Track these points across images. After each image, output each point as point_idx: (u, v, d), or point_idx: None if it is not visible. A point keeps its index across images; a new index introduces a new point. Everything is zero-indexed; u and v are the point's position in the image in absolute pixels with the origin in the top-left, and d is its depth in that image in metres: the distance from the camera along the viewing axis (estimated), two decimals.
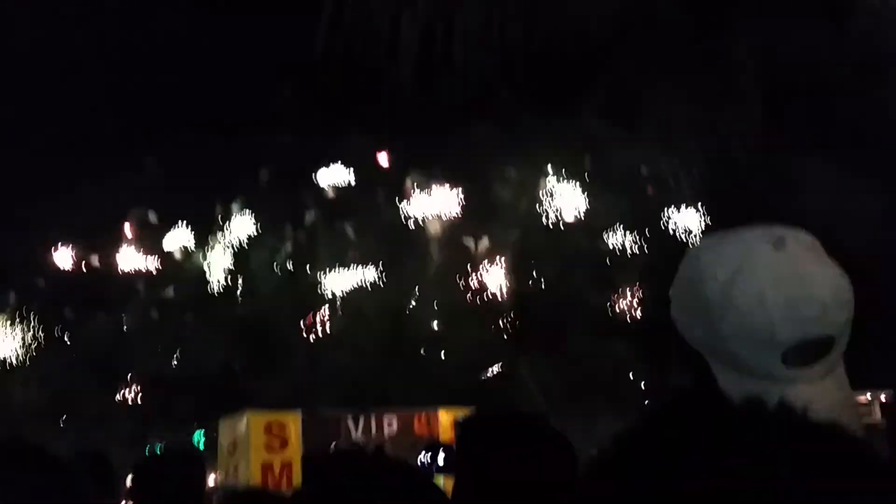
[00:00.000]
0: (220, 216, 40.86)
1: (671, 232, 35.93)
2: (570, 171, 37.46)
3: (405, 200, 39.03)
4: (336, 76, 27.58)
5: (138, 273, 41.19)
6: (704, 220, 33.69)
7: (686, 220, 35.19)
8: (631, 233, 36.85)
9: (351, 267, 37.69)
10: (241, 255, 40.31)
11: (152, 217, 41.88)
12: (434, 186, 38.50)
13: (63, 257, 41.37)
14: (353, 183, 40.75)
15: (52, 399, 36.65)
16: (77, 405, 36.09)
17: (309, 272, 38.67)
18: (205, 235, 41.01)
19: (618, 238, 37.07)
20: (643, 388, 33.87)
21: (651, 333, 32.27)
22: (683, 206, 34.55)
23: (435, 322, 36.52)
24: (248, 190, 40.63)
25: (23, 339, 39.29)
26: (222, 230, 40.75)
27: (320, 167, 40.51)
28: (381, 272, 37.40)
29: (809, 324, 1.76)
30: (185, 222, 40.94)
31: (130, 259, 41.27)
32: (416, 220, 38.87)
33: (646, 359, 31.52)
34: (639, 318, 35.88)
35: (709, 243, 1.93)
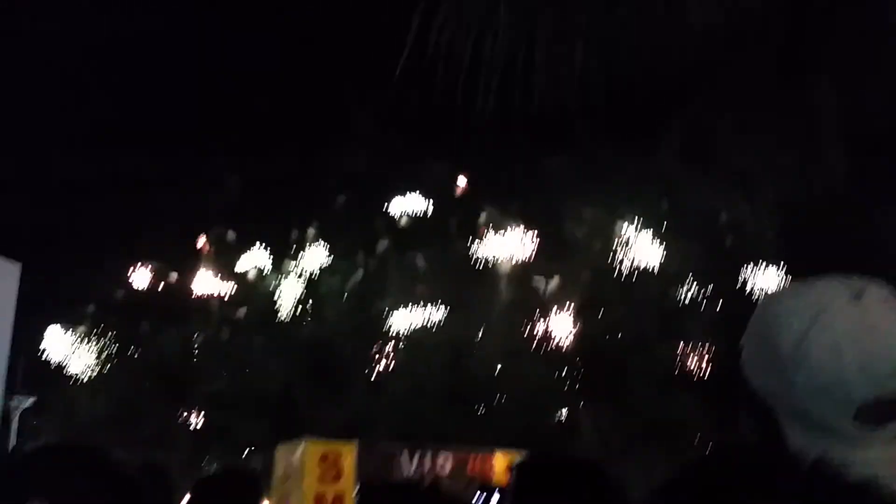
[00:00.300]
0: (294, 241, 41.42)
1: (746, 283, 35.13)
2: (646, 215, 36.95)
3: (477, 236, 39.00)
4: (414, 102, 27.88)
5: (210, 295, 41.91)
6: (782, 274, 32.86)
7: (763, 275, 34.39)
8: (704, 282, 36.14)
9: (418, 300, 37.72)
10: (312, 282, 40.68)
11: (230, 236, 42.68)
12: (507, 227, 38.43)
13: (141, 273, 42.42)
14: (426, 213, 40.92)
15: (116, 413, 37.39)
16: (140, 421, 36.71)
17: (376, 302, 38.79)
18: (279, 258, 41.52)
19: (691, 287, 36.39)
20: (706, 442, 33.00)
21: (718, 387, 31.51)
22: (761, 260, 33.78)
23: (497, 361, 36.19)
24: (323, 214, 41.11)
25: (97, 353, 40.31)
26: (295, 257, 41.23)
27: (395, 195, 40.80)
28: (447, 308, 37.29)
29: (886, 382, 1.67)
30: (261, 243, 41.57)
31: (204, 279, 42.06)
32: (486, 258, 38.77)
33: (711, 413, 30.76)
34: (706, 371, 35.07)
35: (785, 291, 1.87)
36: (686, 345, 35.93)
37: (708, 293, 36.06)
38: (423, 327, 37.50)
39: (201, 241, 42.83)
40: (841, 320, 1.69)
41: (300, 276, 40.85)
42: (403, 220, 40.91)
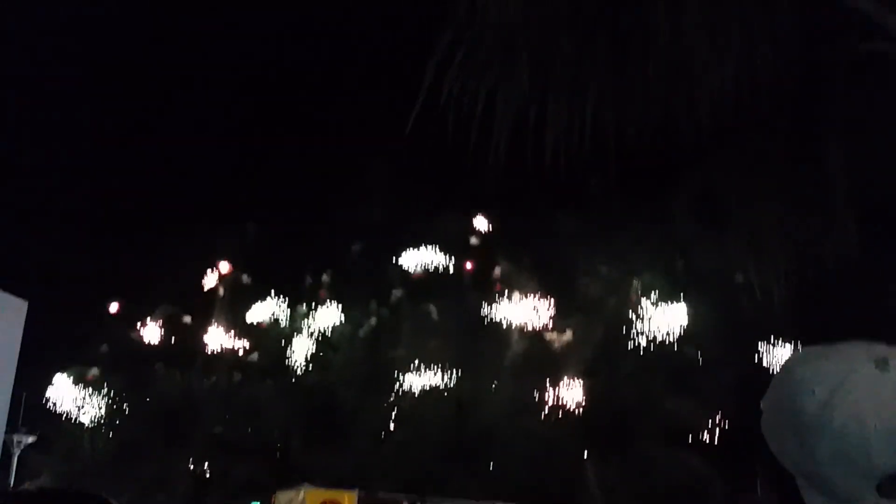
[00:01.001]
0: (305, 290, 41.55)
1: (758, 347, 34.88)
2: (656, 275, 36.96)
3: (488, 290, 39.11)
4: (426, 157, 28.18)
5: (216, 341, 41.87)
6: (795, 340, 32.56)
7: (775, 340, 34.15)
8: (715, 344, 35.92)
9: (425, 351, 37.66)
10: (320, 331, 40.70)
11: (244, 279, 42.87)
12: (519, 282, 38.56)
13: (149, 317, 42.46)
14: (438, 266, 41.05)
15: (117, 455, 37.13)
16: (141, 464, 36.44)
17: (383, 353, 38.70)
18: (289, 305, 41.59)
19: (701, 348, 36.22)
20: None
21: (730, 450, 31.13)
22: (773, 324, 33.63)
23: (503, 415, 35.91)
24: (337, 264, 41.34)
25: (101, 395, 40.18)
26: (304, 306, 41.26)
27: (407, 247, 40.96)
28: (455, 360, 37.17)
29: None
30: (272, 290, 41.71)
31: (213, 324, 42.10)
32: (496, 313, 38.80)
33: (721, 475, 30.38)
34: (718, 433, 34.69)
35: (807, 356, 1.80)
36: (696, 405, 35.60)
37: (718, 354, 35.82)
38: (429, 379, 37.35)
39: (211, 283, 42.99)
40: (865, 387, 1.64)
41: (309, 324, 40.92)
42: (415, 273, 41.03)
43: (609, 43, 6.74)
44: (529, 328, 38.27)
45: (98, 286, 40.78)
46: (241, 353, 41.30)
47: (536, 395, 36.45)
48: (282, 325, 41.42)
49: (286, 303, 41.68)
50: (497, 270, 39.51)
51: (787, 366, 1.82)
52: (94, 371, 40.50)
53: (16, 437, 29.34)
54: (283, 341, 40.87)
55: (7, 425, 28.85)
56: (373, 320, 39.87)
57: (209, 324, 42.03)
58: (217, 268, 43.17)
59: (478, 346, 37.36)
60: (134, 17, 42.67)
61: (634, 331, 37.08)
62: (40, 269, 37.96)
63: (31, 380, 30.88)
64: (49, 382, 39.67)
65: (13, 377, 28.19)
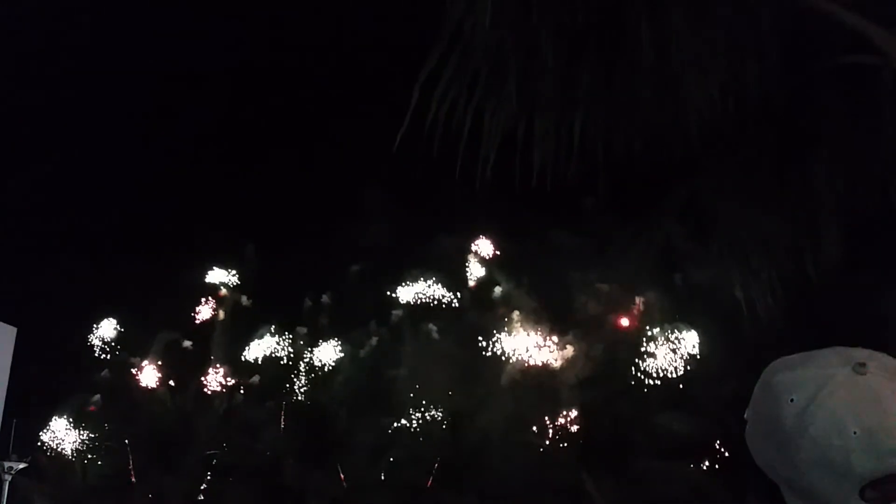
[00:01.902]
0: (302, 312, 41.58)
1: (750, 357, 34.91)
2: (650, 289, 37.05)
3: (486, 312, 39.26)
4: (422, 177, 28.32)
5: (211, 364, 41.71)
6: (784, 348, 32.61)
7: (766, 349, 34.23)
8: (710, 356, 35.96)
9: (422, 372, 37.66)
10: (317, 355, 40.67)
11: (245, 302, 42.88)
12: (515, 302, 38.76)
13: (152, 343, 42.36)
14: (435, 288, 41.07)
15: (110, 479, 36.86)
16: (133, 488, 36.20)
17: (378, 374, 38.64)
18: (289, 329, 41.50)
19: (696, 361, 36.25)
20: None
21: (724, 461, 31.02)
22: (764, 334, 33.67)
23: (498, 431, 35.77)
24: (337, 286, 41.43)
25: (93, 420, 39.98)
26: (299, 329, 41.16)
27: (406, 268, 40.94)
28: (451, 380, 37.08)
29: (891, 457, 1.60)
30: (272, 315, 41.72)
31: (207, 347, 41.99)
32: (492, 332, 38.90)
33: (719, 486, 30.27)
34: (712, 445, 34.60)
35: (785, 363, 1.78)
36: (691, 418, 35.56)
37: (713, 367, 35.82)
38: (424, 399, 37.23)
39: (207, 309, 42.85)
40: (843, 393, 1.63)
41: (305, 347, 40.88)
42: (411, 295, 41.02)
43: (596, 60, 6.77)
44: (525, 347, 38.26)
45: (89, 311, 40.69)
46: (235, 376, 41.12)
47: (534, 413, 36.35)
48: (280, 348, 41.31)
49: (285, 325, 41.57)
50: (494, 291, 39.62)
51: (766, 375, 1.80)
52: (87, 395, 40.26)
53: (6, 464, 29.06)
54: (280, 364, 40.76)
55: None
56: (372, 341, 39.81)
57: (205, 348, 41.88)
58: (213, 291, 43.09)
59: (475, 366, 37.36)
60: (130, 46, 42.82)
61: (630, 345, 37.13)
62: (29, 295, 37.84)
63: (22, 406, 30.70)
64: (39, 408, 39.42)
65: (3, 404, 28.03)
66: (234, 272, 42.58)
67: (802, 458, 1.66)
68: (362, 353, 39.73)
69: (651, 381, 35.78)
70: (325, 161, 41.05)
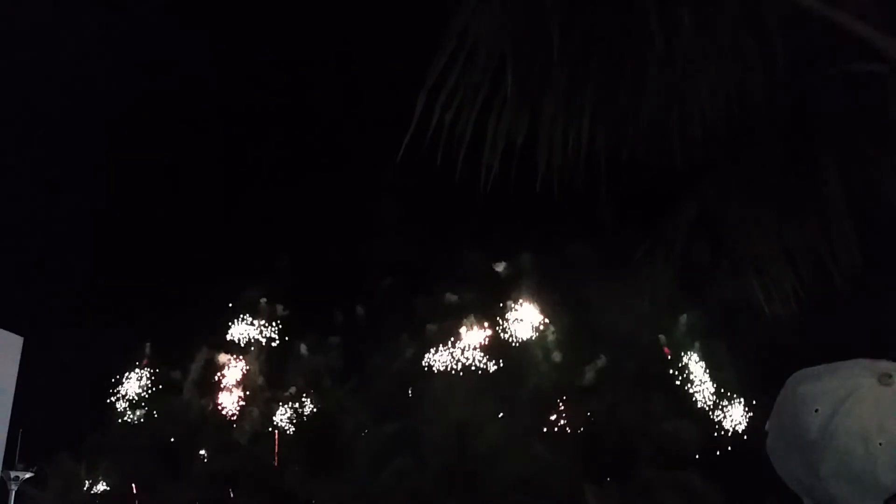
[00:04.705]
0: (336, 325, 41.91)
1: (765, 366, 34.87)
2: (660, 299, 37.08)
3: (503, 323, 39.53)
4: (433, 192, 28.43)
5: (222, 372, 41.81)
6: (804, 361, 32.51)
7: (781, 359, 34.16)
8: (720, 367, 36.01)
9: (429, 380, 37.89)
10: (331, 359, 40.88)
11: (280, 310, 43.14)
12: (526, 312, 38.96)
13: (149, 349, 42.45)
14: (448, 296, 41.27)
15: (116, 488, 36.85)
16: (141, 496, 36.19)
17: (386, 380, 38.77)
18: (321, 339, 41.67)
19: (705, 371, 36.28)
20: None
21: (734, 470, 30.91)
22: (778, 343, 33.71)
23: (503, 441, 35.71)
24: (367, 298, 41.72)
25: (100, 428, 39.99)
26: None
27: (432, 281, 41.10)
28: (458, 387, 37.13)
29: None
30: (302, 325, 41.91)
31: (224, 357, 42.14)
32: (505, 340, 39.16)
33: (724, 494, 30.15)
34: (721, 453, 34.55)
35: (810, 373, 1.78)
36: (698, 426, 35.48)
37: (724, 379, 35.88)
38: (431, 405, 37.24)
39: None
40: (868, 404, 1.64)
41: (315, 352, 41.10)
42: (429, 304, 41.22)
43: (601, 66, 6.78)
44: (536, 356, 38.45)
45: (96, 319, 40.68)
46: (247, 382, 41.25)
47: (539, 419, 36.36)
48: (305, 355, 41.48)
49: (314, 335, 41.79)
50: (512, 302, 39.91)
51: (789, 386, 1.81)
52: (92, 404, 40.30)
53: (13, 473, 29.09)
54: (289, 371, 40.87)
55: (3, 461, 28.66)
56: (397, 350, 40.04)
57: (222, 357, 42.05)
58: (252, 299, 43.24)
59: (484, 373, 37.68)
60: (148, 72, 43.06)
61: (639, 353, 37.13)
62: (36, 305, 37.94)
63: (29, 415, 30.74)
64: (45, 417, 39.40)
65: (9, 413, 28.07)
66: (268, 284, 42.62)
67: (826, 468, 1.66)
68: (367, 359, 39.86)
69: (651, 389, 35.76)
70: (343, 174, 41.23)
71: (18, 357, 29.20)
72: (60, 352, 37.97)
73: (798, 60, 6.54)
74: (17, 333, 29.46)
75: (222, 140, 43.53)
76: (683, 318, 36.86)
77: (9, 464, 29.14)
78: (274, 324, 42.63)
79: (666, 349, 37.46)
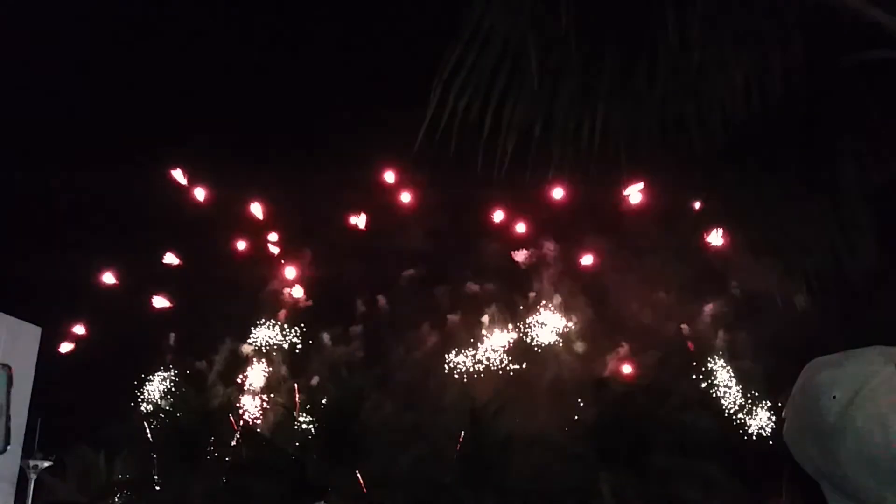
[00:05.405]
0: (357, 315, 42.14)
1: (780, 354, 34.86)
2: (676, 284, 37.18)
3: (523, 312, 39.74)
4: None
5: (239, 358, 42.15)
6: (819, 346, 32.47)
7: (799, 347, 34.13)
8: (735, 352, 36.00)
9: (442, 369, 38.16)
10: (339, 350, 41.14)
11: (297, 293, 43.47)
12: (546, 304, 39.18)
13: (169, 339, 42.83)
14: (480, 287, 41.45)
15: (134, 476, 37.11)
16: (158, 485, 36.44)
17: (397, 369, 39.06)
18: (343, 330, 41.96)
19: (722, 358, 36.32)
20: None
21: (752, 457, 30.89)
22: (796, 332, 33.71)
23: (516, 427, 35.77)
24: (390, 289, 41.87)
25: (118, 416, 40.34)
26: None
27: (451, 269, 41.29)
28: (471, 377, 37.35)
29: None
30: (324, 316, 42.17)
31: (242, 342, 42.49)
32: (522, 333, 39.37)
33: (740, 481, 30.07)
34: (739, 440, 34.52)
35: (827, 361, 1.80)
36: (715, 411, 35.44)
37: (746, 365, 35.83)
38: (443, 394, 37.41)
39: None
40: (886, 390, 1.65)
41: (328, 343, 41.44)
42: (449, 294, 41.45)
43: (617, 55, 6.74)
44: (552, 345, 38.65)
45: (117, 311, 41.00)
46: (262, 372, 41.62)
47: (552, 407, 36.42)
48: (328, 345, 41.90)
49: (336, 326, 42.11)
50: (532, 293, 40.14)
51: (807, 373, 1.83)
52: (110, 391, 40.56)
53: (32, 462, 29.39)
54: (301, 362, 41.20)
55: (22, 450, 28.91)
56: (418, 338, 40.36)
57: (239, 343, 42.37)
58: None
59: (498, 362, 37.84)
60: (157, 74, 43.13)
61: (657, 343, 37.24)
62: (54, 294, 38.17)
63: (47, 404, 30.99)
64: (64, 406, 39.69)
65: (28, 402, 28.32)
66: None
67: (844, 454, 1.68)
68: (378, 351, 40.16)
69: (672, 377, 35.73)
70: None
71: (36, 347, 29.48)
72: (79, 342, 38.33)
73: (815, 47, 6.50)
74: (35, 323, 29.75)
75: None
76: (707, 308, 36.98)
77: (28, 452, 29.40)
78: (296, 314, 42.93)
79: (690, 343, 37.53)
